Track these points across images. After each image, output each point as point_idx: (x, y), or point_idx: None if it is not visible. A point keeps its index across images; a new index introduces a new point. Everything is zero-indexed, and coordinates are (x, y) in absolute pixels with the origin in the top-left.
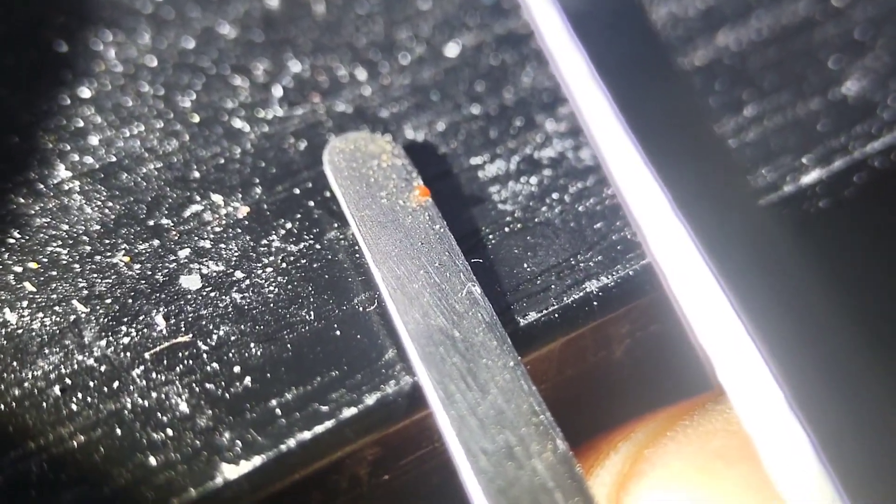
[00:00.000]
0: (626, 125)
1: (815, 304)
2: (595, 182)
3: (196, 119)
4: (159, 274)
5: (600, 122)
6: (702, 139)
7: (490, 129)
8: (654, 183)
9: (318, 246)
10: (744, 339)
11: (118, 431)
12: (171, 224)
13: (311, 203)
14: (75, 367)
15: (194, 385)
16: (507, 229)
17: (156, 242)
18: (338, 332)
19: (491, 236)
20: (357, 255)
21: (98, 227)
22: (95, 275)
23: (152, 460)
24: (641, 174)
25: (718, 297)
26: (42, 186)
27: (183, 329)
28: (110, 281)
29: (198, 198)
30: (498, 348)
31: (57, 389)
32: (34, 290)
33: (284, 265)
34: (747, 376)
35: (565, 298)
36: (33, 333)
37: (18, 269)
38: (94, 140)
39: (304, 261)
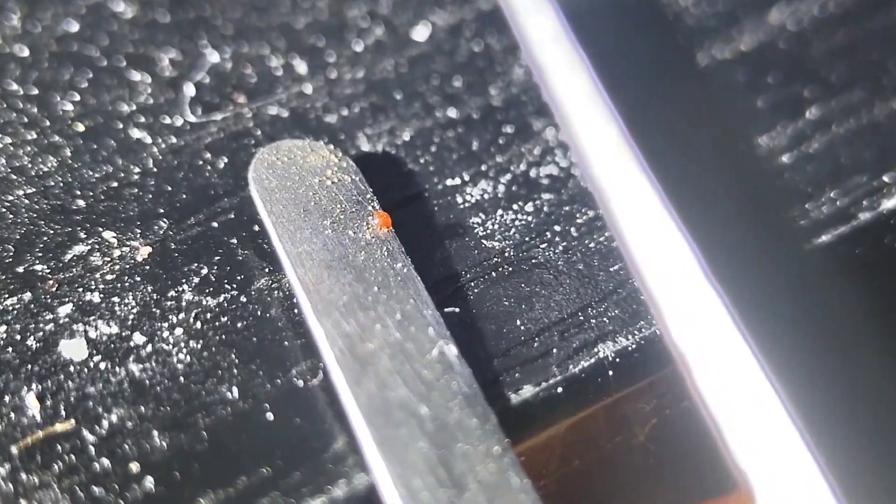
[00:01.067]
0: (632, 142)
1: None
2: None
3: (80, 128)
4: (31, 339)
5: (597, 142)
6: (740, 157)
7: (471, 138)
8: (673, 229)
9: (243, 298)
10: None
11: None
12: (48, 271)
13: (235, 240)
14: None
15: (78, 489)
16: (493, 273)
17: (26, 296)
18: (269, 416)
19: (473, 283)
20: (295, 311)
21: None
22: None
23: None
24: (654, 215)
25: (763, 387)
26: None
27: (63, 413)
28: None
29: (83, 235)
30: (479, 429)
31: None
32: None
33: (199, 325)
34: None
35: (571, 366)
36: None
37: None
38: None
39: (225, 318)
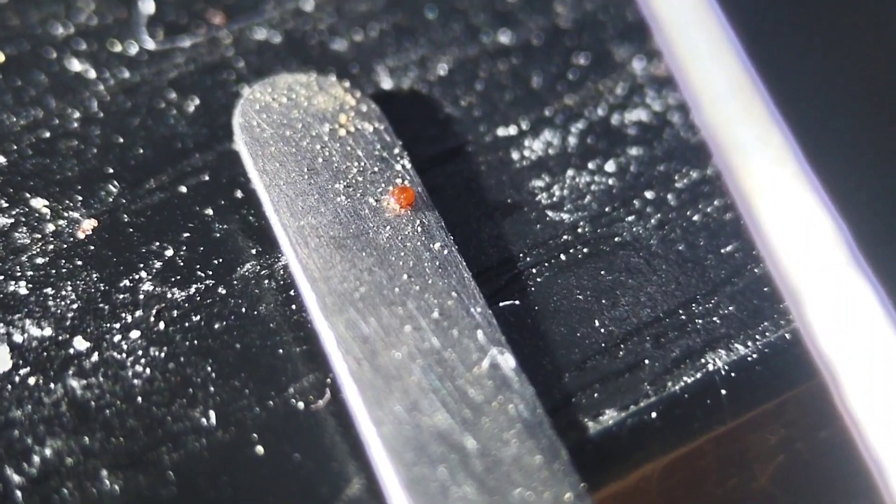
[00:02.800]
0: (760, 80)
1: None
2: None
3: (1, 58)
4: None
5: (718, 76)
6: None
7: (530, 72)
8: (818, 199)
9: (221, 290)
10: None
11: None
12: None
13: (210, 211)
14: None
15: None
16: (563, 256)
17: None
18: (259, 449)
19: (535, 269)
20: (294, 306)
21: None
22: None
23: None
24: (795, 177)
25: None
26: None
27: None
28: None
29: (3, 203)
30: (545, 470)
31: None
32: None
33: (162, 326)
34: None
35: (670, 384)
36: None
37: None
38: None
39: (198, 317)
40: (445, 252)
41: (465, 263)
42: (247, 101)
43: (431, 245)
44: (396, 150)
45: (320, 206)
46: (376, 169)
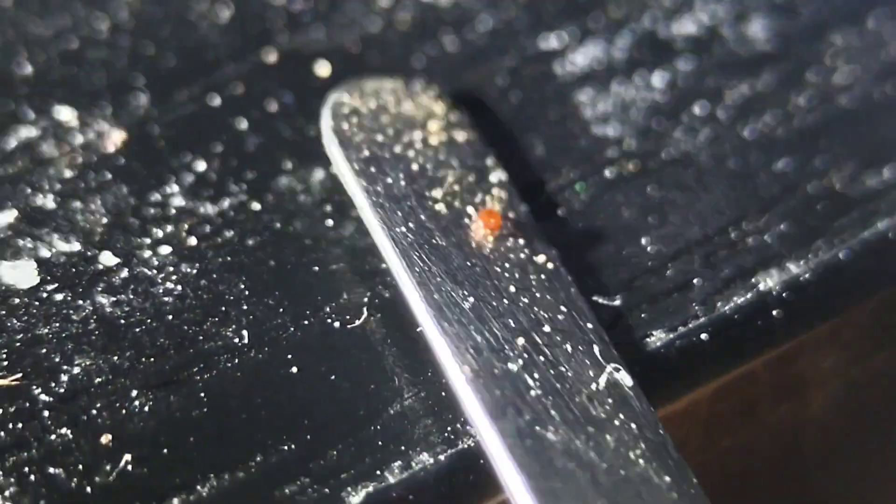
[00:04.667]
0: None
1: None
2: (776, 77)
3: None
4: None
5: None
6: None
7: None
8: None
9: (255, 205)
10: None
11: None
12: None
13: (244, 124)
14: None
15: (27, 470)
16: (608, 173)
17: None
18: (293, 369)
19: (578, 185)
20: (330, 222)
21: None
22: None
23: None
24: None
25: None
26: None
27: (5, 363)
28: None
29: (29, 113)
30: (675, 491)
31: None
32: None
33: (193, 242)
34: None
35: (720, 304)
36: None
37: None
38: None
39: (231, 233)
40: (550, 266)
41: (571, 280)
42: (335, 105)
43: (535, 258)
44: (490, 162)
45: (420, 212)
46: (471, 179)
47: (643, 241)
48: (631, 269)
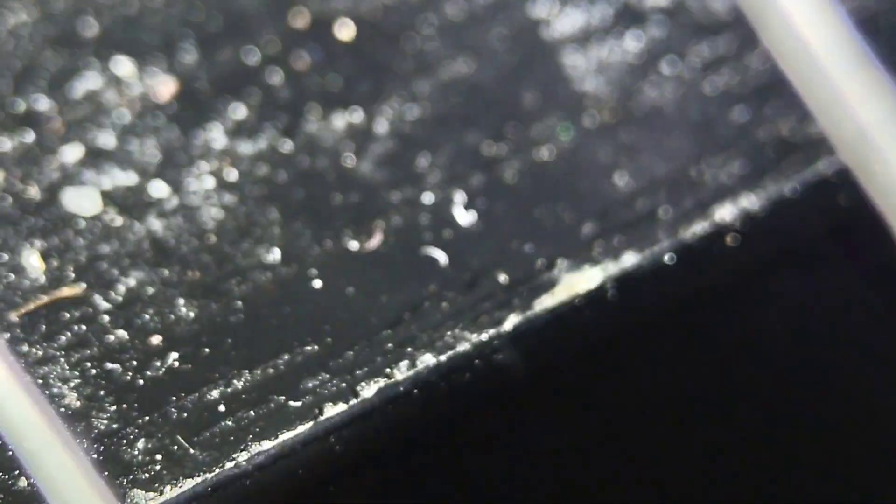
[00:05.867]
0: None
1: None
2: (734, 41)
3: None
4: (34, 188)
5: None
6: None
7: None
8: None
9: (287, 145)
10: None
11: None
12: (52, 109)
13: (279, 78)
14: None
15: (89, 365)
16: (587, 121)
17: (28, 138)
18: (316, 282)
19: (563, 133)
20: (349, 163)
21: None
22: None
23: (22, 482)
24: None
25: None
26: None
27: (71, 275)
28: None
29: (95, 65)
30: None
31: None
32: None
33: (235, 176)
34: None
35: (682, 231)
36: None
37: None
38: None
39: (266, 169)
40: None
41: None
42: None
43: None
44: None
45: None
46: None
47: (615, 177)
48: (603, 200)
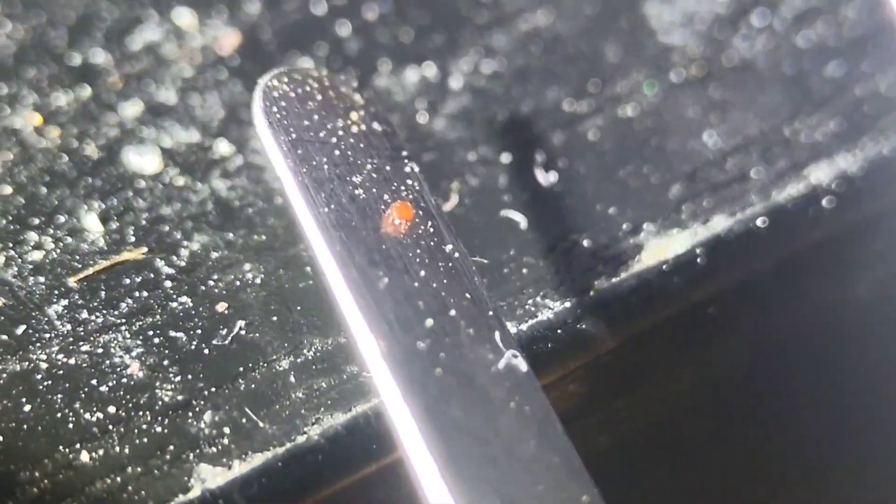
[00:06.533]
0: None
1: None
2: None
3: None
4: (91, 146)
5: None
6: None
7: None
8: None
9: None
10: None
11: (26, 408)
12: (109, 62)
13: (348, 30)
14: None
15: (152, 333)
16: (672, 76)
17: (85, 93)
18: None
19: (648, 89)
20: (431, 110)
21: None
22: None
23: (84, 457)
24: None
25: None
26: None
27: (131, 239)
28: (11, 156)
29: (154, 16)
30: (563, 469)
31: None
32: None
33: None
34: None
35: (775, 194)
36: None
37: None
38: None
39: None
40: (457, 255)
41: (475, 268)
42: (266, 88)
43: (444, 247)
44: (405, 153)
45: (341, 195)
46: (388, 168)
47: (704, 136)
48: (692, 160)
